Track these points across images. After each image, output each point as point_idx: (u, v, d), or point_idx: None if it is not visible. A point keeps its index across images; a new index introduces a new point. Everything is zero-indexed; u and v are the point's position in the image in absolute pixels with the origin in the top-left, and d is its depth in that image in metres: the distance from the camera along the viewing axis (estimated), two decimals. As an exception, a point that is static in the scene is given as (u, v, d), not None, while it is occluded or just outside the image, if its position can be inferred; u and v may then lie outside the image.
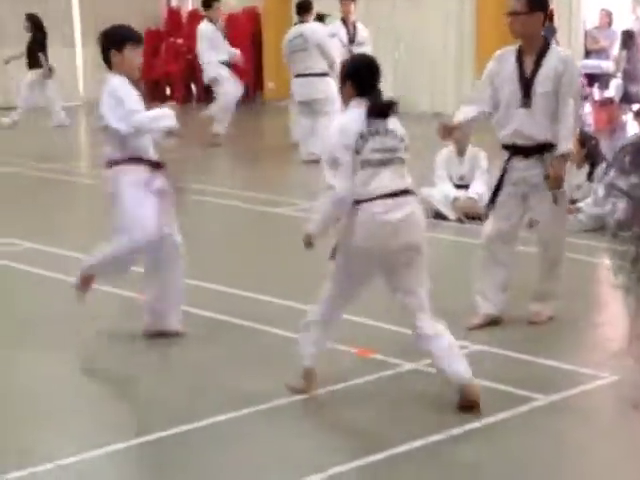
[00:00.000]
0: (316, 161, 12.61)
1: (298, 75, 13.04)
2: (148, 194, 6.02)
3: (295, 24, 13.31)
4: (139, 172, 6.04)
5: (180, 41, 20.71)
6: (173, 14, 21.47)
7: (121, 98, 5.95)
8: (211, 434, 4.89)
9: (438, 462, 4.58)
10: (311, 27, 12.99)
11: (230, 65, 14.56)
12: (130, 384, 5.63)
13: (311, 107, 12.96)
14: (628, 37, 15.55)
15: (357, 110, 5.17)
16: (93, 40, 23.23)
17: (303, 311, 6.62)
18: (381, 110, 5.16)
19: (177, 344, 6.17)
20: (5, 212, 10.08)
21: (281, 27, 18.43)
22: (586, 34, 16.52)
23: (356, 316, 6.40)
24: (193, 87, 20.84)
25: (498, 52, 6.44)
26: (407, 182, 5.18)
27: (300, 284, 7.35)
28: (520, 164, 6.26)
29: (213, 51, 14.19)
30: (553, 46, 6.36)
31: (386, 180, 5.10)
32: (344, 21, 13.73)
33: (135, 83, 6.14)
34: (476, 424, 4.90)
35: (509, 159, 6.29)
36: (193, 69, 20.46)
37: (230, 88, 14.44)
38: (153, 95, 20.72)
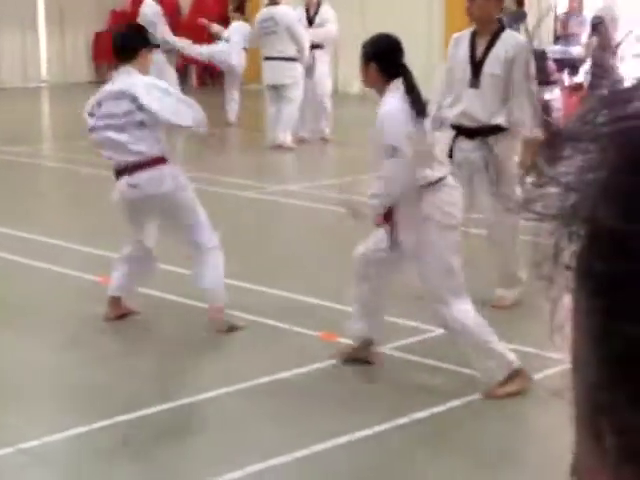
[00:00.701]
0: (281, 147, 12.57)
1: (267, 58, 12.94)
2: None
3: (266, 6, 13.17)
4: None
5: (147, 23, 20.54)
6: (140, -4, 21.28)
7: (167, 91, 6.00)
8: (176, 417, 4.84)
9: (401, 445, 4.55)
10: (282, 10, 12.86)
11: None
12: (97, 368, 5.57)
13: (278, 92, 12.87)
14: (597, 23, 15.57)
15: (399, 95, 5.07)
16: (57, 22, 23.14)
17: (269, 295, 6.59)
18: (419, 94, 5.14)
19: (145, 328, 6.11)
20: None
21: (249, 8, 18.28)
22: (556, 19, 16.53)
23: (321, 300, 6.37)
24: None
25: (454, 35, 6.59)
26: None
27: (266, 267, 7.31)
28: (464, 145, 6.33)
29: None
30: (508, 31, 6.47)
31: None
32: (307, 5, 13.52)
33: None
34: (441, 408, 4.88)
35: (454, 139, 6.35)
36: (160, 51, 20.33)
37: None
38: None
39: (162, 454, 4.49)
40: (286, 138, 12.59)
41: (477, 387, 5.11)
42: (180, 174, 6.07)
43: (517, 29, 14.74)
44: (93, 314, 6.24)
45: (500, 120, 6.26)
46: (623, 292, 0.51)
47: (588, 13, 16.38)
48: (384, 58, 5.13)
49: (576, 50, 15.88)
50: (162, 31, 14.30)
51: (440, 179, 5.10)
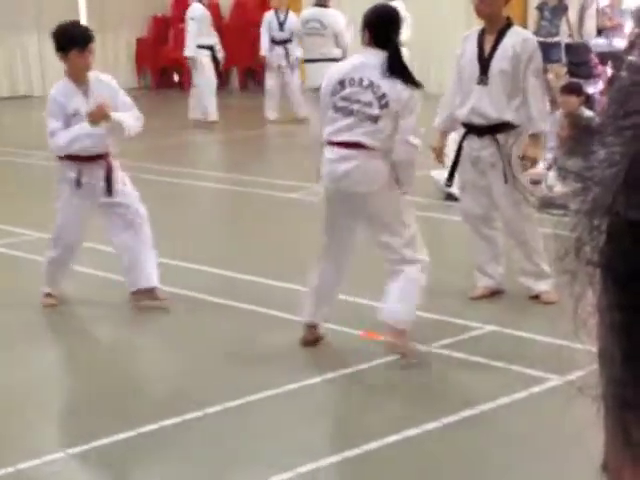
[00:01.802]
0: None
1: (309, 60, 12.77)
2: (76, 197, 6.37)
3: (313, 5, 13.08)
4: (72, 169, 6.34)
5: (188, 28, 20.64)
6: (180, 0, 21.39)
7: (47, 118, 6.33)
8: (222, 420, 4.85)
9: (450, 443, 4.53)
10: (331, 14, 12.73)
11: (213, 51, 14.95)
12: (141, 370, 5.60)
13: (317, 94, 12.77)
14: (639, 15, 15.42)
15: (357, 57, 5.54)
16: (98, 29, 23.32)
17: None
18: (392, 67, 5.36)
19: (190, 329, 6.13)
20: (16, 203, 10.05)
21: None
22: (598, 12, 16.39)
23: (362, 298, 6.36)
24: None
25: (465, 34, 6.65)
26: (360, 137, 5.36)
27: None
28: (475, 143, 6.35)
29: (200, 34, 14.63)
30: (515, 27, 6.50)
31: (342, 129, 5.38)
32: None
33: (81, 84, 6.37)
34: (489, 405, 4.85)
35: (464, 137, 6.38)
36: (201, 55, 20.39)
37: (209, 74, 14.80)
38: (161, 83, 20.69)
39: (209, 457, 4.49)
40: None
41: (525, 384, 5.08)
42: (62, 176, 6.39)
43: (558, 22, 14.65)
44: (132, 316, 6.29)
45: (509, 117, 6.27)
46: None
47: (630, 5, 16.23)
48: (373, 26, 5.47)
49: (619, 43, 15.74)
50: (191, 36, 14.44)
51: (333, 142, 5.42)
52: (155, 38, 20.84)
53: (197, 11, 14.86)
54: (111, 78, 6.59)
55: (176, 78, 20.74)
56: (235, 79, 20.44)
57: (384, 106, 5.32)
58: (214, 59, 14.96)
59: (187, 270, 7.23)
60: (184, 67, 20.42)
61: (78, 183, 6.32)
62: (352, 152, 5.36)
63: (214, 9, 20.74)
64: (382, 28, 5.41)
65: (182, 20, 20.79)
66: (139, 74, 21.00)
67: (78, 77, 6.34)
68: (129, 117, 6.34)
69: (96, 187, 6.37)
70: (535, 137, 6.30)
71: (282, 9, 14.53)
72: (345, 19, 12.85)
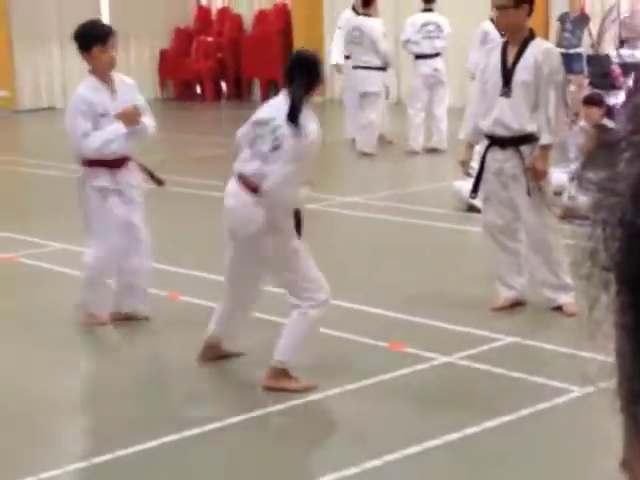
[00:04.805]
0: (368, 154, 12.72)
1: (355, 67, 13.11)
2: (111, 202, 6.25)
3: (358, 14, 13.27)
4: (102, 176, 6.22)
5: (210, 39, 20.72)
6: (203, 12, 21.49)
7: (75, 118, 6.21)
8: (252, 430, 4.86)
9: (471, 455, 4.53)
10: (369, 22, 13.00)
11: None
12: (168, 382, 5.62)
13: (362, 99, 13.04)
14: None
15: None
16: (122, 41, 23.40)
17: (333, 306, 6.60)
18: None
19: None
20: (35, 214, 10.09)
21: (311, 23, 18.42)
22: (621, 23, 16.34)
23: (387, 310, 6.36)
24: (223, 85, 20.86)
25: (487, 46, 6.77)
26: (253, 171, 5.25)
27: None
28: (498, 155, 6.35)
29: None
30: (538, 38, 6.53)
31: (246, 164, 5.29)
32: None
33: (107, 83, 6.37)
34: (511, 417, 4.85)
35: (487, 149, 6.39)
36: (223, 67, 20.47)
37: None
38: (184, 94, 20.77)
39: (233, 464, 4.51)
40: (373, 144, 12.85)
41: (547, 396, 5.08)
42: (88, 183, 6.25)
43: (580, 33, 14.63)
44: (165, 328, 6.31)
45: (532, 128, 6.27)
46: None
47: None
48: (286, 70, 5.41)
49: (641, 54, 15.67)
50: (337, 43, 13.97)
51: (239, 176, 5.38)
52: (178, 50, 20.92)
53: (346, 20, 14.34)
54: (133, 81, 6.61)
55: (198, 90, 20.82)
56: (258, 91, 20.53)
57: (277, 147, 5.17)
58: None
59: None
60: (206, 78, 20.53)
61: (107, 189, 6.24)
62: (239, 190, 5.34)
63: (236, 21, 20.83)
64: (288, 72, 5.33)
65: (204, 32, 20.94)
66: (162, 85, 21.09)
67: (103, 74, 6.33)
68: (149, 120, 6.39)
69: (124, 193, 6.30)
70: (544, 149, 6.29)
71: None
72: (382, 27, 13.04)
